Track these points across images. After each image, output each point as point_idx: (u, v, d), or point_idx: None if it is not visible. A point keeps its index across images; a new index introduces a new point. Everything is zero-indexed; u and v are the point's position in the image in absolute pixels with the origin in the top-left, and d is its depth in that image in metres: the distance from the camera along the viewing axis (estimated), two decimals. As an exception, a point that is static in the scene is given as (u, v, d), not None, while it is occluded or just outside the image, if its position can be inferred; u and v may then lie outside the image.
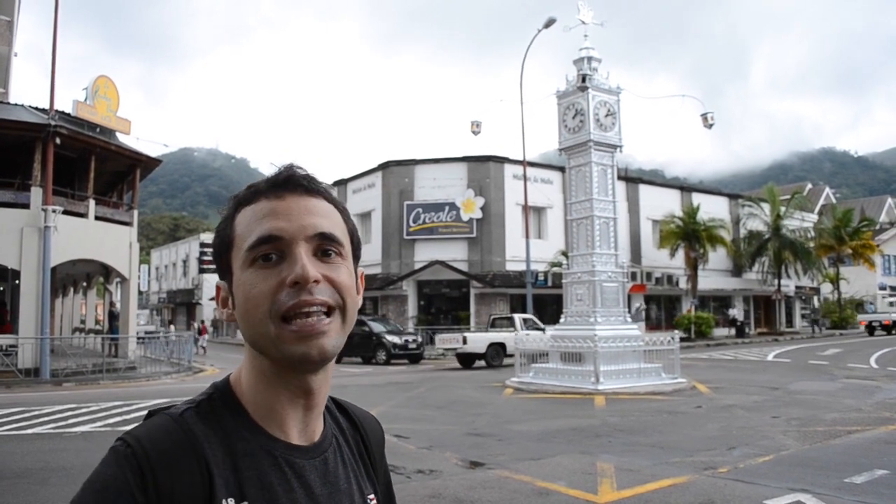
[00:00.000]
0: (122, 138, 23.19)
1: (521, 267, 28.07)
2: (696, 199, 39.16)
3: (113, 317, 24.14)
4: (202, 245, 51.98)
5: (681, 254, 35.98)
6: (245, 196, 0.97)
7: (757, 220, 39.41)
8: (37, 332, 18.37)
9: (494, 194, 31.82)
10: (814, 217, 47.92)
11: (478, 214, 31.53)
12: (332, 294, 0.91)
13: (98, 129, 21.38)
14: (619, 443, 8.85)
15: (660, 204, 37.42)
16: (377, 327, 24.91)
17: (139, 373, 19.60)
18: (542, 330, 20.88)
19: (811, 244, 40.77)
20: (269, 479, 0.90)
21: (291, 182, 0.95)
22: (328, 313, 0.91)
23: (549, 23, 24.17)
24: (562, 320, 16.66)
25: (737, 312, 37.54)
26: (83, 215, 20.76)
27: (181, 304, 61.80)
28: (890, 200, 67.21)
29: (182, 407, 0.93)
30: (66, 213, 19.47)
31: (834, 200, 66.19)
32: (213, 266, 1.04)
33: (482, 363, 21.99)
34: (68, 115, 20.59)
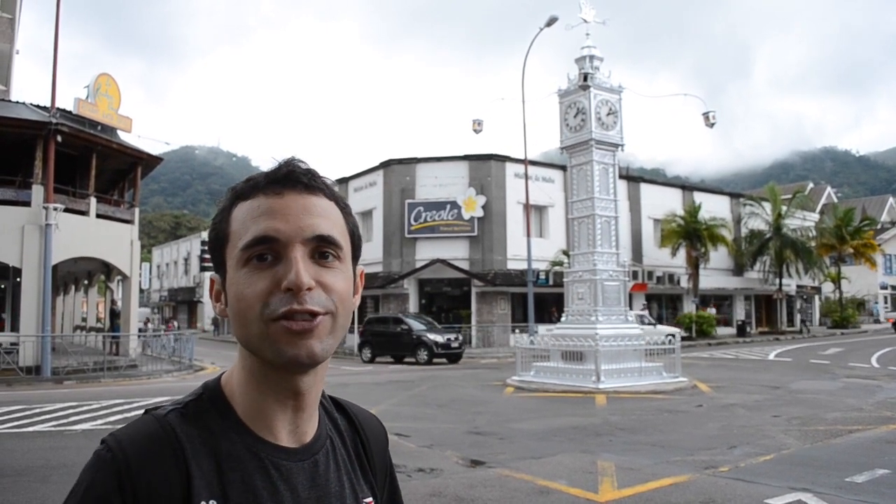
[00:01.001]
0: (124, 136, 23.21)
1: (523, 265, 28.05)
2: (698, 198, 39.11)
3: (114, 315, 24.14)
4: (203, 243, 51.96)
5: (682, 253, 35.95)
6: (243, 190, 0.94)
7: (758, 220, 39.36)
8: (38, 329, 18.38)
9: (496, 193, 31.79)
10: (815, 216, 47.86)
11: (479, 213, 31.49)
12: (325, 301, 0.89)
13: (99, 127, 21.39)
14: (620, 441, 8.84)
15: (661, 203, 37.38)
16: (417, 325, 24.32)
17: (140, 371, 19.62)
18: (654, 325, 27.10)
19: (812, 243, 40.72)
20: (253, 482, 0.89)
21: (291, 178, 0.92)
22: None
23: (551, 21, 24.14)
24: (563, 319, 16.65)
25: (714, 312, 36.96)
26: (84, 213, 20.78)
27: (182, 303, 61.85)
28: (891, 200, 67.16)
29: (168, 407, 0.93)
30: (67, 210, 19.47)
31: (835, 200, 66.10)
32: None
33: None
34: (70, 112, 20.60)
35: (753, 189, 61.14)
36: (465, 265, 31.27)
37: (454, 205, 31.71)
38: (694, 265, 35.64)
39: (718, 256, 37.68)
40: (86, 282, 31.11)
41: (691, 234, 35.04)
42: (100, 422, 10.31)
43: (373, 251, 32.79)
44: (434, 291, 32.66)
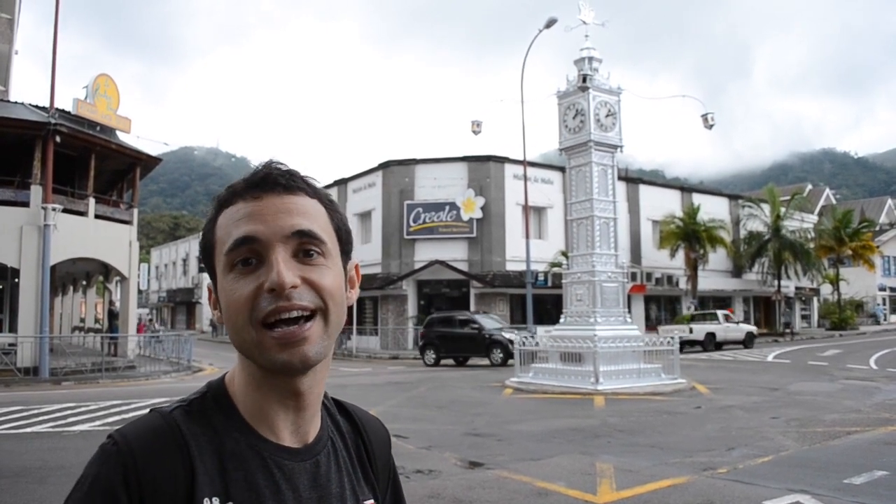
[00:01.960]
0: (123, 137, 23.21)
1: (522, 267, 28.06)
2: (697, 199, 39.14)
3: (112, 315, 24.13)
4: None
5: (681, 254, 35.97)
6: (225, 197, 0.95)
7: (757, 221, 39.39)
8: (36, 330, 18.37)
9: (495, 194, 31.81)
10: (814, 218, 47.89)
11: (478, 214, 31.51)
12: (312, 298, 0.89)
13: (98, 128, 21.38)
14: (619, 443, 8.84)
15: (660, 204, 37.40)
16: (489, 324, 23.21)
17: (138, 372, 19.60)
18: (737, 323, 30.83)
19: (811, 245, 40.73)
20: (256, 480, 0.89)
21: (269, 181, 0.93)
22: (310, 317, 0.89)
23: (550, 23, 24.15)
24: (561, 320, 16.65)
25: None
26: (83, 214, 20.77)
27: (181, 304, 61.85)
28: (890, 201, 67.21)
29: (173, 405, 0.94)
30: (65, 211, 19.47)
31: (834, 201, 66.19)
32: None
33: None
34: (68, 113, 20.60)
35: (752, 190, 61.14)
36: (463, 266, 31.28)
37: (453, 206, 31.72)
38: (693, 267, 35.67)
39: (717, 258, 37.70)
40: (84, 282, 31.07)
41: (690, 236, 35.06)
42: (98, 423, 10.30)
43: (371, 252, 32.79)
44: (433, 293, 32.66)
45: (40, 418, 10.80)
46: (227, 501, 0.87)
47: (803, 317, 47.82)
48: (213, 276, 0.96)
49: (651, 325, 34.48)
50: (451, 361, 23.24)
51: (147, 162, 23.93)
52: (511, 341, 20.01)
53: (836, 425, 9.87)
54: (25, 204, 19.00)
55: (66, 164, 20.79)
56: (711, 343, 28.74)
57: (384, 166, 33.75)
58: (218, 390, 0.97)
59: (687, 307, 36.36)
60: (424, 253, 31.83)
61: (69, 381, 17.30)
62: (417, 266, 31.54)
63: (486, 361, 22.15)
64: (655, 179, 53.32)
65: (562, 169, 29.00)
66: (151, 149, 35.13)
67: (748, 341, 29.83)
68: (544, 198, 32.13)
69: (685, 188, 43.22)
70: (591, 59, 16.48)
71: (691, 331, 28.59)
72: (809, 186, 69.61)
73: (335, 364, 23.70)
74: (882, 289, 55.68)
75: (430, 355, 23.49)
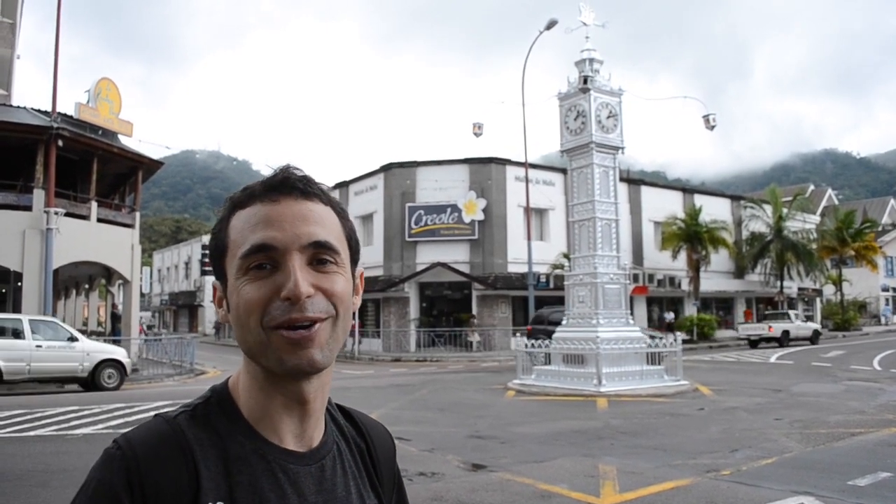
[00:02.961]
0: (125, 140, 23.26)
1: (523, 269, 28.06)
2: (699, 200, 39.10)
3: (115, 319, 24.15)
4: (204, 247, 51.95)
5: (683, 255, 35.92)
6: (240, 198, 0.95)
7: (759, 222, 39.35)
8: (39, 334, 18.35)
9: (496, 196, 31.81)
10: (816, 219, 47.82)
11: (479, 216, 31.50)
12: (325, 307, 0.90)
13: (100, 132, 21.43)
14: (622, 445, 8.83)
15: (662, 206, 37.37)
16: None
17: (141, 375, 19.59)
18: (806, 321, 33.98)
19: (813, 246, 40.67)
20: (260, 484, 0.90)
21: (287, 185, 0.93)
22: (320, 321, 0.90)
23: (551, 24, 24.20)
24: (563, 322, 16.64)
25: (672, 317, 36.60)
26: (85, 217, 20.81)
27: (183, 307, 61.89)
28: (892, 202, 67.15)
29: (178, 410, 0.94)
30: (68, 215, 19.51)
31: (836, 202, 66.13)
32: (214, 268, 1.03)
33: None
34: (70, 117, 20.66)
35: (754, 191, 61.13)
36: (465, 268, 31.27)
37: (455, 208, 31.72)
38: (695, 268, 35.62)
39: (719, 259, 37.65)
40: (87, 286, 31.13)
41: (692, 237, 35.02)
42: (101, 426, 10.31)
43: (373, 255, 32.79)
44: (435, 295, 32.67)
45: (43, 422, 10.81)
46: None
47: (807, 318, 47.73)
48: (221, 277, 0.96)
49: (653, 327, 34.45)
50: (455, 366, 23.18)
51: (149, 165, 23.98)
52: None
53: (840, 427, 9.85)
54: (28, 208, 19.05)
55: (68, 167, 20.85)
56: (787, 339, 30.83)
57: (385, 168, 33.77)
58: (222, 395, 0.97)
59: (692, 307, 36.35)
60: (426, 255, 31.83)
61: (72, 385, 17.30)
62: (419, 268, 31.53)
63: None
64: (657, 181, 53.26)
65: (563, 170, 28.97)
66: (153, 152, 35.23)
67: (814, 338, 32.07)
68: (546, 199, 32.13)
69: (687, 189, 43.18)
70: (591, 60, 16.48)
71: (770, 328, 30.82)
72: (811, 187, 69.59)
73: (338, 367, 23.64)
74: (885, 289, 55.60)
75: (540, 356, 21.21)
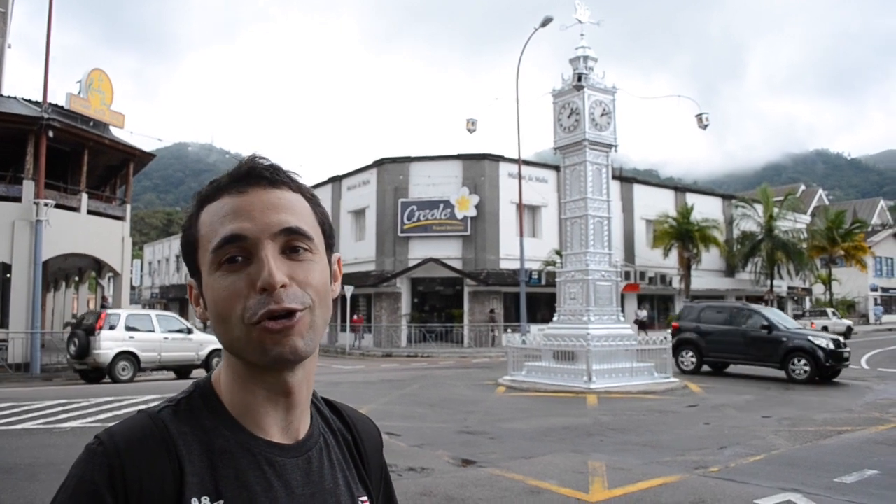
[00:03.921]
0: (116, 132, 23.12)
1: (516, 265, 28.09)
2: (690, 199, 39.26)
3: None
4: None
5: (674, 254, 36.08)
6: (208, 192, 0.94)
7: (750, 221, 39.54)
8: (27, 326, 18.29)
9: (489, 192, 31.82)
10: (807, 218, 48.09)
11: (472, 212, 31.52)
12: (301, 297, 0.88)
13: (91, 123, 21.30)
14: (611, 442, 8.86)
15: (654, 204, 37.50)
16: (785, 322, 17.30)
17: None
18: (840, 318, 37.04)
19: (804, 245, 40.92)
20: (246, 478, 0.88)
21: (254, 174, 0.92)
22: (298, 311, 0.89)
23: (546, 22, 24.17)
24: (555, 319, 16.67)
25: (645, 315, 36.40)
26: (75, 209, 20.68)
27: (174, 300, 61.60)
28: (882, 202, 67.61)
29: (161, 405, 0.92)
30: (58, 206, 19.38)
31: (827, 202, 66.48)
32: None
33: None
34: (61, 108, 20.51)
35: (745, 191, 61.34)
36: (457, 264, 31.28)
37: (447, 204, 31.72)
38: (686, 266, 35.77)
39: (710, 257, 37.83)
40: (76, 278, 31.00)
41: (683, 235, 35.16)
42: (89, 419, 10.25)
43: (366, 250, 32.75)
44: (427, 290, 32.67)
45: (31, 415, 10.74)
46: (218, 499, 0.86)
47: (796, 317, 47.98)
48: (195, 274, 0.94)
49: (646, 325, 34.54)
50: (447, 362, 23.20)
51: (140, 157, 23.84)
52: (824, 349, 15.48)
53: (828, 425, 9.92)
54: (17, 199, 18.91)
55: (58, 159, 20.69)
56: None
57: (379, 164, 33.71)
58: (205, 389, 0.95)
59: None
60: (418, 251, 31.82)
61: (60, 378, 17.23)
62: (411, 264, 31.52)
63: (780, 373, 16.18)
64: (649, 179, 53.41)
65: (556, 168, 29.01)
66: (145, 144, 35.06)
67: (847, 333, 34.35)
68: (539, 196, 32.18)
69: (679, 188, 43.33)
70: (586, 58, 16.50)
71: (812, 324, 32.74)
72: (802, 187, 69.99)
73: (328, 361, 23.67)
74: (874, 289, 55.94)
75: (689, 358, 18.00)
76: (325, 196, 35.45)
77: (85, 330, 16.37)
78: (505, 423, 10.39)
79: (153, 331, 17.01)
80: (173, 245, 63.08)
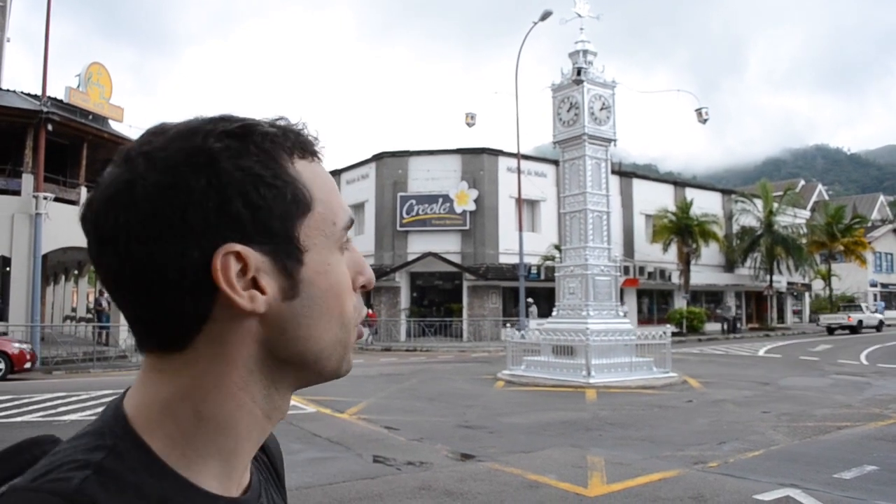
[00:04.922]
0: (115, 126, 23.08)
1: (515, 260, 28.07)
2: (690, 194, 39.20)
3: (99, 306, 24.02)
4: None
5: (673, 248, 36.06)
6: (299, 142, 0.65)
7: (749, 216, 39.51)
8: (27, 319, 18.29)
9: (488, 187, 31.78)
10: (806, 213, 48.05)
11: (471, 207, 31.48)
12: None
13: (90, 117, 21.25)
14: (610, 436, 8.86)
15: (653, 198, 37.45)
16: None
17: (130, 361, 19.49)
18: (873, 312, 38.23)
19: (803, 240, 40.90)
20: None
21: (317, 144, 0.69)
22: None
23: (545, 16, 24.10)
24: (554, 313, 16.67)
25: (626, 310, 36.25)
26: (75, 203, 20.65)
27: (173, 294, 61.67)
28: (882, 198, 67.59)
29: (72, 471, 0.55)
30: (57, 200, 19.36)
31: (826, 197, 66.43)
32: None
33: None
34: (60, 101, 20.46)
35: (745, 186, 61.38)
36: (456, 259, 31.28)
37: (446, 198, 31.68)
38: (685, 261, 35.76)
39: (710, 253, 37.82)
40: (76, 272, 30.97)
41: (683, 230, 35.14)
42: (89, 412, 10.26)
43: (365, 244, 32.72)
44: (426, 285, 32.66)
45: (31, 408, 10.75)
46: None
47: (795, 312, 48.04)
48: (282, 242, 0.61)
49: (643, 320, 34.58)
50: (445, 356, 23.19)
51: (139, 151, 23.78)
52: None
53: (827, 420, 9.92)
54: (17, 192, 18.89)
55: (57, 152, 20.67)
56: (860, 327, 35.78)
57: (377, 158, 33.66)
58: (128, 437, 0.60)
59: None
60: (417, 245, 31.80)
61: (60, 371, 17.23)
62: (410, 258, 31.51)
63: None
64: (649, 174, 53.40)
65: (555, 162, 28.96)
66: (144, 138, 34.96)
67: (879, 326, 37.00)
68: (538, 191, 32.14)
69: (678, 183, 43.27)
70: (585, 52, 16.45)
71: (850, 318, 35.69)
72: (802, 182, 69.91)
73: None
74: (874, 285, 55.98)
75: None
76: (324, 190, 35.30)
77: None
78: (504, 418, 10.40)
79: None
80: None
